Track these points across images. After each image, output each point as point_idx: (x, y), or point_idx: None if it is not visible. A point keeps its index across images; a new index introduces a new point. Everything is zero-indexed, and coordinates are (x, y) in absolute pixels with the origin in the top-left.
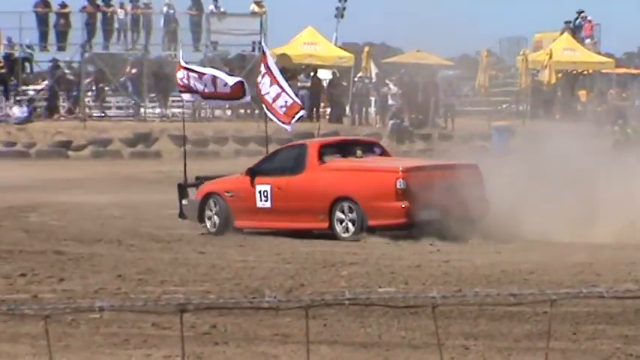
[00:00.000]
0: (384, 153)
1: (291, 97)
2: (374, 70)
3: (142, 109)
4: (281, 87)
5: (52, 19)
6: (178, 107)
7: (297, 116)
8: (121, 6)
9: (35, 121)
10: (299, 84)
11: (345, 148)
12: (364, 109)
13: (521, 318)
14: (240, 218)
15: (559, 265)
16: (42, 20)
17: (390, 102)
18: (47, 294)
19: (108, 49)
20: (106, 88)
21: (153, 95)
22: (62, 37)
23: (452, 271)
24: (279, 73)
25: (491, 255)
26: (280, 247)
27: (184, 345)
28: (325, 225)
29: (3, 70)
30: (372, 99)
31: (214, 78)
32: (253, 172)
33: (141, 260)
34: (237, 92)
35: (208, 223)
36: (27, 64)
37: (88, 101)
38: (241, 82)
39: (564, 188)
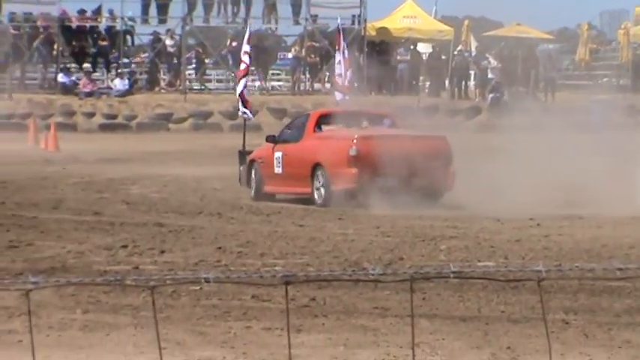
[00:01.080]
0: (393, 125)
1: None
2: (473, 43)
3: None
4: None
5: None
6: (278, 80)
7: None
8: None
9: (136, 93)
10: (398, 57)
11: (351, 119)
12: (463, 83)
13: (622, 293)
14: (268, 183)
15: None
16: None
17: (490, 76)
18: (148, 265)
19: (208, 22)
20: (207, 61)
21: (252, 69)
22: (163, 10)
23: (552, 245)
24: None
25: (592, 229)
26: (380, 221)
27: (287, 317)
28: (308, 190)
29: (105, 43)
30: (472, 73)
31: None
32: (274, 140)
33: (241, 233)
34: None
35: (252, 189)
36: (128, 37)
37: (189, 74)
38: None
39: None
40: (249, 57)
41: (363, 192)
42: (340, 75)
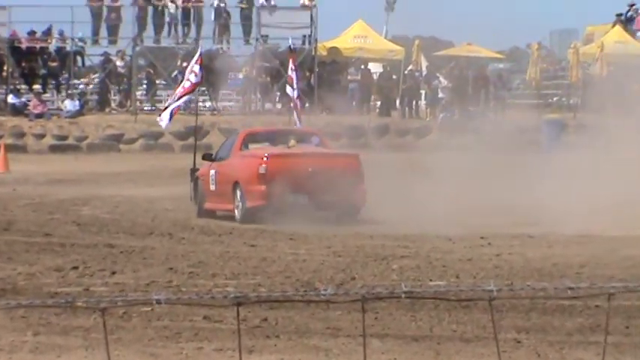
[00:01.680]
0: (321, 143)
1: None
2: (424, 63)
3: (193, 103)
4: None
5: (103, 12)
6: (229, 101)
7: None
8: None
9: (87, 114)
10: (349, 77)
11: (278, 138)
12: (414, 103)
13: (573, 312)
14: (207, 200)
15: (611, 258)
16: (94, 14)
17: (440, 95)
18: (99, 287)
19: (159, 42)
20: (157, 82)
21: (203, 89)
22: (113, 30)
23: (503, 264)
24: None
25: (543, 248)
26: (331, 241)
27: (239, 338)
28: (231, 207)
29: (55, 64)
30: (423, 92)
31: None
32: (210, 158)
33: (192, 253)
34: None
35: (196, 206)
36: (79, 58)
37: (139, 95)
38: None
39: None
40: (196, 76)
41: (273, 209)
42: (292, 96)
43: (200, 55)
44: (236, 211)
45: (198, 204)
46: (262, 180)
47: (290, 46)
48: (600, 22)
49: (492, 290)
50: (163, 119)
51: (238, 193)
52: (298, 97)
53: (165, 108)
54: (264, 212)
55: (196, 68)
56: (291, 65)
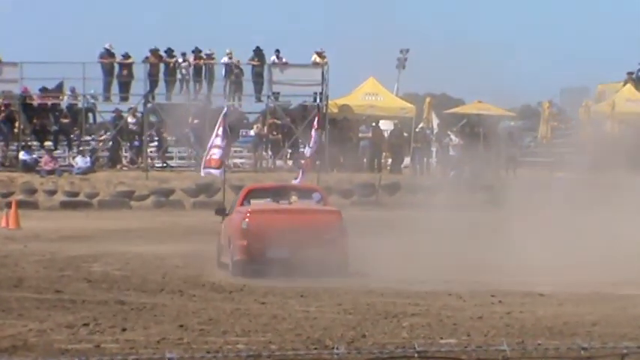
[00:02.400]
0: (322, 199)
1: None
2: (435, 120)
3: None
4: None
5: (115, 69)
6: (240, 158)
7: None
8: (184, 57)
9: (98, 171)
10: (360, 134)
11: (281, 194)
12: (425, 160)
13: None
14: (221, 253)
15: (622, 317)
16: (106, 71)
17: (452, 153)
18: (110, 344)
19: (170, 99)
20: (169, 139)
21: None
22: (125, 87)
23: (514, 322)
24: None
25: (554, 307)
26: (342, 298)
27: None
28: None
29: (66, 120)
30: (434, 150)
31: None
32: (221, 212)
33: (203, 310)
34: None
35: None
36: (90, 115)
37: (151, 151)
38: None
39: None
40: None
41: (254, 263)
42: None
43: (224, 115)
44: (230, 265)
45: (217, 256)
46: (244, 235)
47: (318, 105)
48: (611, 80)
49: (505, 350)
50: (212, 171)
51: (230, 247)
52: (311, 155)
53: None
54: (247, 266)
55: (220, 131)
56: (315, 124)
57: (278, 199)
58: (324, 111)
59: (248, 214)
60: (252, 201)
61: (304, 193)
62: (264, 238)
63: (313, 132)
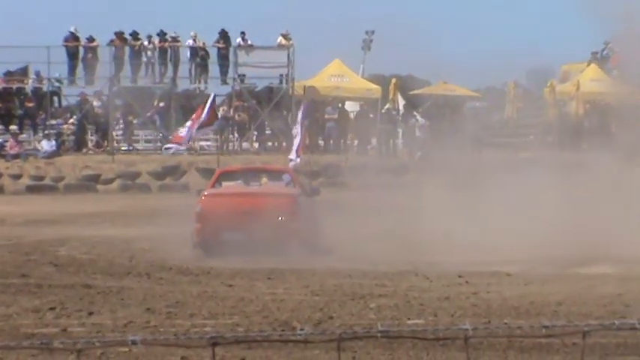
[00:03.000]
0: (292, 180)
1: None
2: (401, 102)
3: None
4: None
5: (80, 52)
6: (206, 140)
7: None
8: (149, 39)
9: (63, 155)
10: (326, 116)
11: (252, 176)
12: (391, 141)
13: (550, 349)
14: None
15: (588, 296)
16: (71, 54)
17: (418, 134)
18: (76, 327)
19: (136, 82)
20: (134, 122)
21: (181, 128)
22: (90, 70)
23: (480, 302)
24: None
25: (520, 287)
26: (309, 280)
27: None
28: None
29: (31, 104)
30: (400, 131)
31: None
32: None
33: (170, 293)
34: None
35: None
36: (55, 98)
37: (116, 135)
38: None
39: None
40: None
41: (208, 245)
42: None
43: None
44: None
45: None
46: (199, 218)
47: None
48: (576, 60)
49: (468, 329)
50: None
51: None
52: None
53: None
54: (203, 248)
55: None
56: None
57: (249, 181)
58: (290, 93)
59: (202, 198)
60: (223, 183)
61: (275, 175)
62: (217, 221)
63: (300, 114)
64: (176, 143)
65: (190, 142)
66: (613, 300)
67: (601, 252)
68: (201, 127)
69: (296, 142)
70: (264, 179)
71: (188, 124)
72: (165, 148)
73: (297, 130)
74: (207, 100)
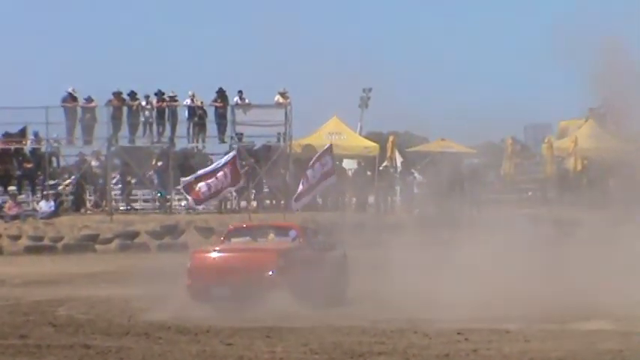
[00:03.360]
0: (298, 236)
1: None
2: (399, 159)
3: (169, 202)
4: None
5: (78, 113)
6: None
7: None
8: (147, 99)
9: (62, 215)
10: None
11: (259, 232)
12: (389, 199)
13: None
14: None
15: (589, 353)
16: (69, 114)
17: (416, 191)
18: None
19: (134, 142)
20: (133, 181)
21: (179, 187)
22: (88, 130)
23: (480, 359)
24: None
25: (520, 343)
26: (308, 337)
27: None
28: None
29: (30, 165)
30: (397, 188)
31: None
32: None
33: (168, 353)
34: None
35: None
36: (53, 159)
37: (115, 194)
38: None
39: None
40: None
41: (200, 301)
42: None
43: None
44: None
45: None
46: (189, 275)
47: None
48: (574, 116)
49: None
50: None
51: None
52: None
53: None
54: (195, 303)
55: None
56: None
57: (257, 237)
58: (288, 151)
59: (191, 255)
60: (232, 239)
61: (282, 231)
62: (205, 279)
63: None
64: (195, 199)
65: (205, 203)
66: (614, 356)
67: (598, 308)
68: (224, 188)
69: (303, 187)
70: (271, 235)
71: (210, 180)
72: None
73: (313, 176)
74: (229, 160)
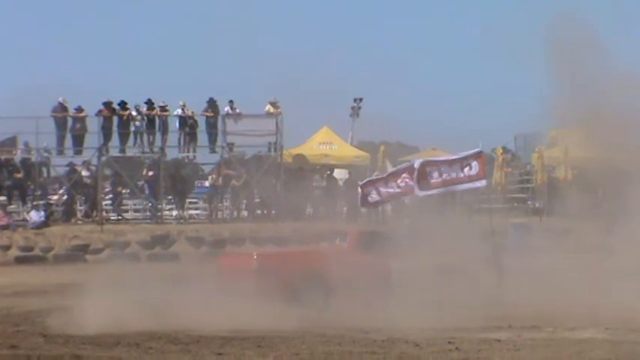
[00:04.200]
0: (347, 240)
1: None
2: (390, 168)
3: (159, 212)
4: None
5: (68, 123)
6: (195, 209)
7: None
8: (137, 109)
9: (52, 225)
10: (314, 184)
11: (333, 236)
12: (380, 208)
13: None
14: None
15: None
16: (59, 124)
17: (407, 201)
18: None
19: (124, 152)
20: (123, 191)
21: (170, 197)
22: (79, 140)
23: None
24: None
25: (510, 352)
26: (298, 347)
27: None
28: None
29: (20, 176)
30: None
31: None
32: None
33: None
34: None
35: None
36: (44, 169)
37: (105, 204)
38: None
39: None
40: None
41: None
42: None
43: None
44: None
45: None
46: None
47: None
48: (564, 126)
49: None
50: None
51: None
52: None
53: None
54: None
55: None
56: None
57: (333, 241)
58: (279, 160)
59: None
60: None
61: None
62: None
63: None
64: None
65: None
66: None
67: (587, 316)
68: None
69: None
70: (338, 239)
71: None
72: None
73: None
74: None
